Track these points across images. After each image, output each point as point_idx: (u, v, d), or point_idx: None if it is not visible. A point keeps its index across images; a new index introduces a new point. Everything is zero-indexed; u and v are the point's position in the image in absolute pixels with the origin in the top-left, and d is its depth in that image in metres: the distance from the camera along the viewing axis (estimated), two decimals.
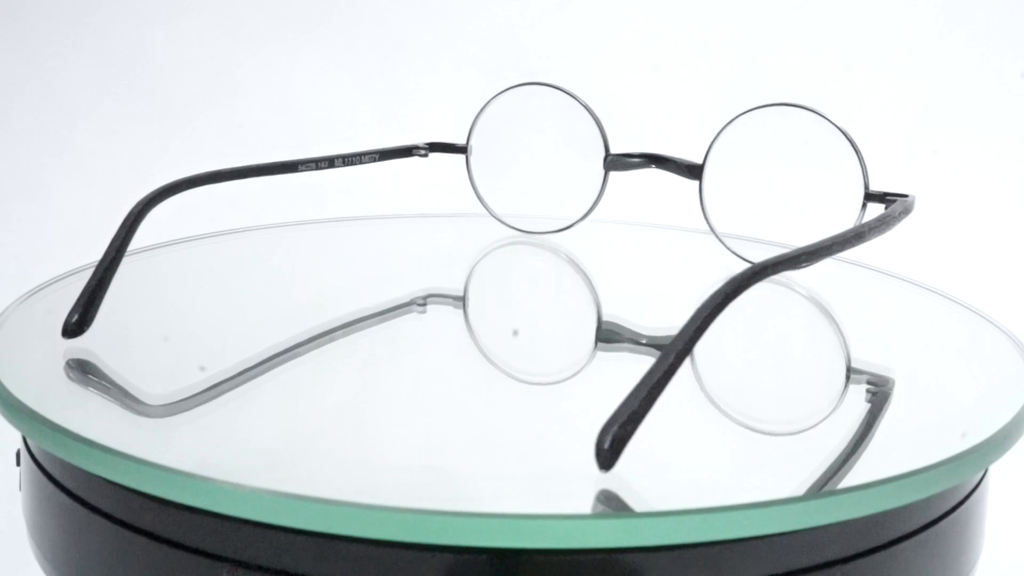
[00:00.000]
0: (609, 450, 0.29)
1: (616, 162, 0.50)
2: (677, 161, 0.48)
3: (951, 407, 0.39)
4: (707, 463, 0.35)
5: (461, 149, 0.55)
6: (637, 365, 0.40)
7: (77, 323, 0.42)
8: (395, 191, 0.73)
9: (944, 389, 0.40)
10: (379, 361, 0.43)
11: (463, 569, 0.28)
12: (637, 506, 0.30)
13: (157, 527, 0.30)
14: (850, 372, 0.38)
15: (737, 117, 0.45)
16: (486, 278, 0.52)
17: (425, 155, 0.56)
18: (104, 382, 0.38)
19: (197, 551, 0.30)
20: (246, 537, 0.29)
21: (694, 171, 0.47)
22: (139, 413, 0.37)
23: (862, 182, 0.43)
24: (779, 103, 0.44)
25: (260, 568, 0.29)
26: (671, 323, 0.41)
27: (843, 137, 0.43)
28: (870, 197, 0.43)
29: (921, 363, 0.42)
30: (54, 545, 0.34)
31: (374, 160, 0.54)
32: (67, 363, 0.40)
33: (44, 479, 0.34)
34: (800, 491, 0.31)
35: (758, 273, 0.34)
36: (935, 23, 0.83)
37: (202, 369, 0.40)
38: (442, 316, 0.48)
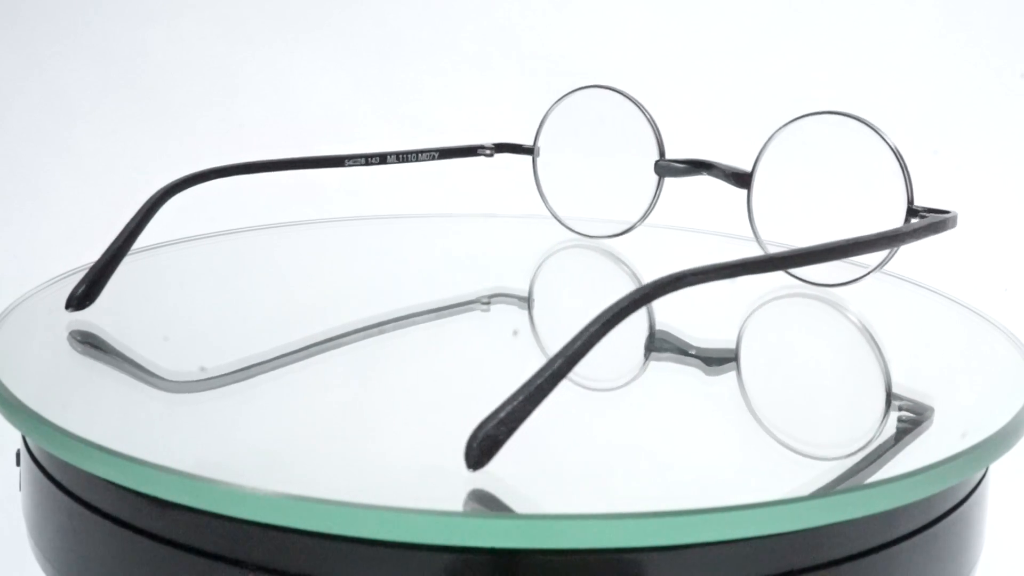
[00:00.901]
0: (478, 449, 0.29)
1: (666, 167, 0.50)
2: (725, 169, 0.47)
3: (951, 407, 0.39)
4: (707, 463, 0.35)
5: (528, 150, 0.54)
6: (677, 375, 0.40)
7: (83, 295, 0.42)
8: (441, 189, 0.72)
9: (944, 389, 0.40)
10: (425, 357, 0.43)
11: (463, 569, 0.28)
12: (516, 505, 0.30)
13: (157, 527, 0.30)
14: (890, 399, 0.38)
15: (786, 125, 0.45)
16: (551, 280, 0.52)
17: (491, 155, 0.55)
18: (116, 357, 0.38)
19: (197, 551, 0.30)
20: (246, 537, 0.29)
21: (742, 180, 0.46)
22: (157, 387, 0.37)
23: (905, 196, 0.42)
24: (827, 111, 0.44)
25: (260, 568, 0.29)
26: (719, 335, 0.41)
27: (888, 149, 0.42)
28: (913, 212, 0.42)
29: (921, 363, 0.42)
30: (54, 545, 0.34)
31: (432, 158, 0.53)
32: (71, 334, 0.40)
33: (44, 479, 0.34)
34: (801, 491, 0.31)
35: (669, 284, 0.32)
36: (936, 23, 0.83)
37: (202, 369, 0.40)
38: (506, 315, 0.47)
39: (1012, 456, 0.34)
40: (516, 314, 0.48)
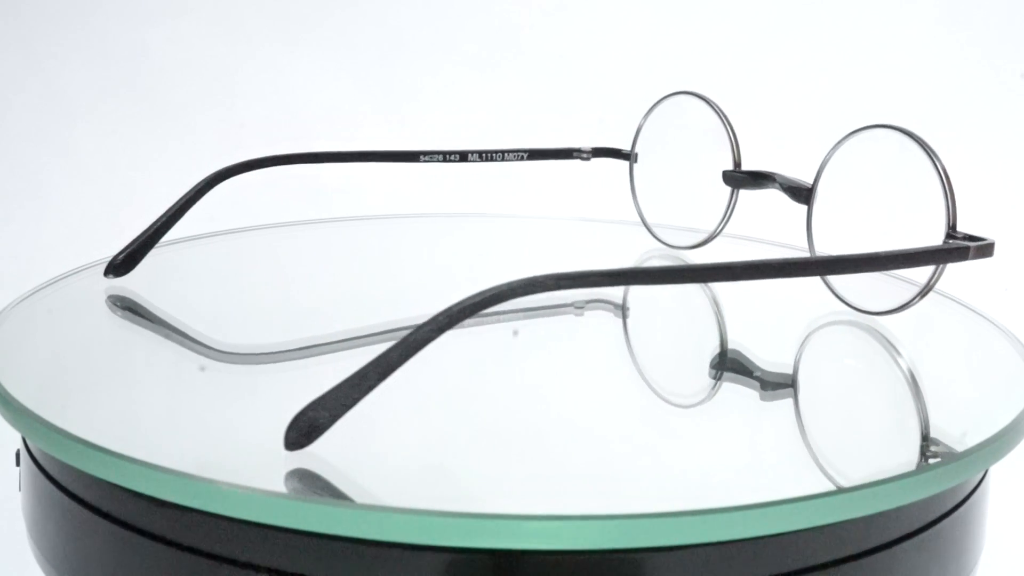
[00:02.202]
0: (292, 429, 0.30)
1: (733, 178, 0.49)
2: (784, 182, 0.46)
3: (951, 407, 0.39)
4: (707, 463, 0.35)
5: (626, 156, 0.53)
6: (724, 393, 0.40)
7: (122, 264, 0.44)
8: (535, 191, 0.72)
9: (944, 389, 0.40)
10: (501, 354, 0.43)
11: (463, 569, 0.28)
12: (516, 506, 0.30)
13: (157, 527, 0.30)
14: (926, 445, 0.37)
15: (845, 140, 0.43)
16: (646, 290, 0.50)
17: (587, 159, 0.54)
18: (158, 324, 0.38)
19: (197, 551, 0.30)
20: (246, 537, 0.29)
21: (802, 194, 0.44)
22: (206, 356, 0.37)
23: (945, 220, 0.40)
24: (884, 125, 0.42)
25: (260, 568, 0.29)
26: (780, 358, 0.41)
27: (934, 169, 0.40)
28: (952, 236, 0.40)
29: (921, 363, 0.42)
30: (54, 545, 0.34)
31: (519, 159, 0.53)
32: (109, 299, 0.41)
33: (44, 479, 0.34)
34: (801, 492, 0.31)
35: (525, 287, 0.32)
36: (936, 24, 0.83)
37: (202, 369, 0.40)
38: (599, 322, 0.46)
39: (1012, 456, 0.34)
40: (610, 321, 0.47)
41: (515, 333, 0.46)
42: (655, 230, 0.53)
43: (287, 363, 0.41)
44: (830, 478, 0.34)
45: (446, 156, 0.51)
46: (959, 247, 0.39)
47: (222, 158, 0.51)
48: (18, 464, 0.37)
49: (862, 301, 0.43)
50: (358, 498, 0.28)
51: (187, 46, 0.89)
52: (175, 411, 0.37)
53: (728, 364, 0.41)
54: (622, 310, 0.47)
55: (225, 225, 0.54)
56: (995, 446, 0.33)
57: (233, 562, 0.29)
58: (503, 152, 0.52)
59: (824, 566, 0.30)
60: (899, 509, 0.31)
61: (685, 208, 0.52)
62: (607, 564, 0.28)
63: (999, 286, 0.76)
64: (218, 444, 0.35)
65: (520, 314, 0.45)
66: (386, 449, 0.34)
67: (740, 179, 0.49)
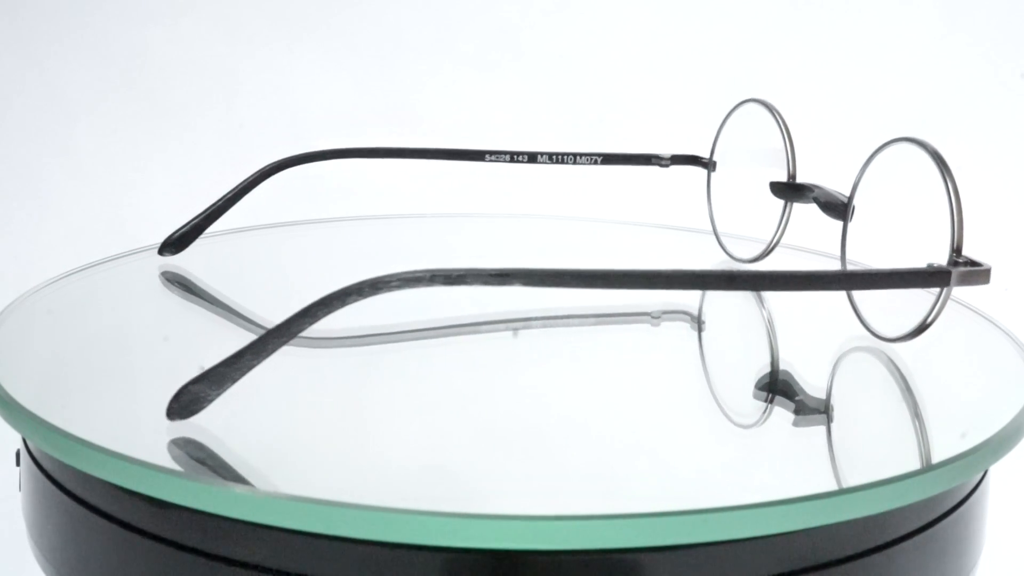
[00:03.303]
0: (175, 399, 0.32)
1: (777, 189, 0.47)
2: (820, 197, 0.44)
3: (951, 407, 0.39)
4: (707, 463, 0.35)
5: (706, 164, 0.52)
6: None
7: (176, 242, 0.47)
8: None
9: (944, 389, 0.40)
10: (562, 357, 0.42)
11: (463, 569, 0.28)
12: (516, 506, 0.30)
13: (157, 527, 0.30)
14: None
15: (876, 153, 0.42)
16: (722, 304, 0.48)
17: (667, 166, 0.52)
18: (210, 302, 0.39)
19: (197, 551, 0.30)
20: (246, 537, 0.29)
21: (838, 210, 0.42)
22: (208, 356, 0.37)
23: (950, 241, 0.38)
24: (910, 140, 0.40)
25: (260, 568, 0.29)
26: (817, 382, 0.40)
27: (944, 189, 0.38)
28: (955, 263, 0.38)
29: (921, 363, 0.42)
30: (54, 545, 0.34)
31: (592, 163, 0.51)
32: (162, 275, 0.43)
33: (44, 479, 0.34)
34: (801, 491, 0.31)
35: (377, 284, 0.34)
36: (936, 24, 0.83)
37: (201, 368, 0.40)
38: (675, 332, 0.45)
39: (1012, 456, 0.34)
40: (687, 333, 0.46)
41: (515, 333, 0.46)
42: (723, 240, 0.52)
43: (286, 363, 0.41)
44: (832, 478, 0.34)
45: (513, 156, 0.50)
46: (939, 271, 0.37)
47: (222, 158, 0.51)
48: (18, 464, 0.37)
49: (880, 321, 0.42)
50: (357, 498, 0.28)
51: (187, 46, 0.89)
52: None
53: (779, 387, 0.40)
54: (698, 323, 0.46)
55: (227, 225, 0.54)
56: (995, 446, 0.33)
57: (233, 562, 0.29)
58: (575, 155, 0.50)
59: (824, 566, 0.30)
60: (899, 509, 0.31)
61: (751, 219, 0.51)
62: (607, 564, 0.28)
63: (999, 286, 0.76)
64: (218, 444, 0.35)
65: (592, 319, 0.45)
66: (386, 449, 0.34)
67: (784, 191, 0.47)
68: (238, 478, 0.31)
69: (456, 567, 0.28)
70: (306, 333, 0.36)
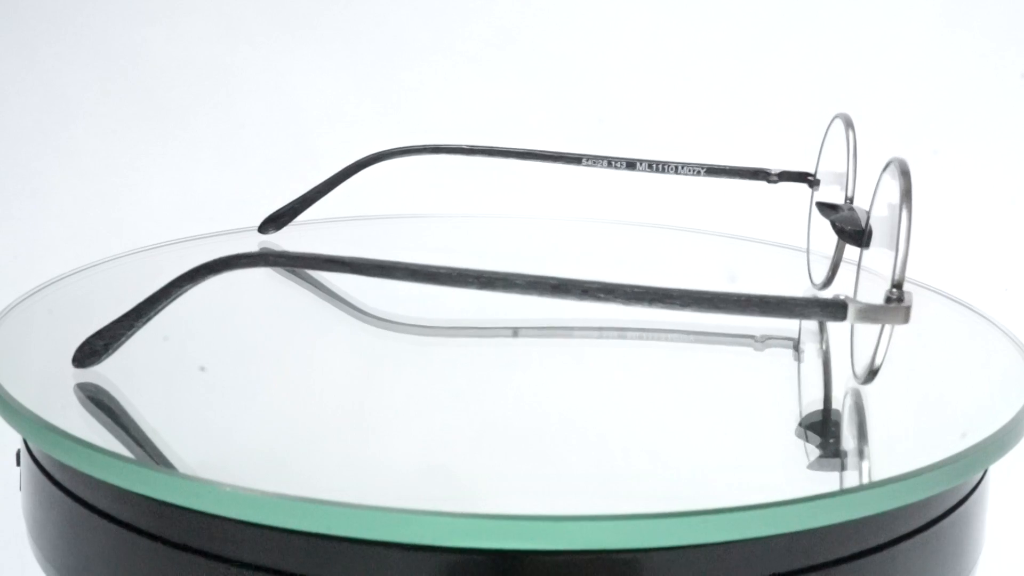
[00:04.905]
0: (78, 351, 0.36)
1: (822, 208, 0.44)
2: (842, 225, 0.41)
3: (951, 407, 0.39)
4: (707, 463, 0.35)
5: (812, 181, 0.49)
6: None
7: (273, 218, 0.49)
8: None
9: (944, 389, 0.40)
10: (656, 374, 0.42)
11: (463, 569, 0.28)
12: (517, 506, 0.30)
13: (157, 528, 0.30)
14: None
15: (882, 175, 0.38)
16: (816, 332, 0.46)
17: (775, 182, 0.50)
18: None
19: (197, 551, 0.30)
20: (246, 537, 0.29)
21: (857, 237, 0.40)
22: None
23: (892, 275, 0.35)
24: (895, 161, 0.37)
25: (260, 568, 0.29)
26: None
27: (898, 222, 0.35)
28: (889, 298, 0.35)
29: (921, 363, 0.42)
30: (54, 545, 0.34)
31: (695, 174, 0.49)
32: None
33: (44, 479, 0.34)
34: (801, 492, 0.31)
35: (229, 261, 0.36)
36: (936, 23, 0.83)
37: (201, 369, 0.40)
38: (778, 359, 0.44)
39: (1012, 456, 0.34)
40: (787, 361, 0.44)
41: (515, 333, 0.46)
42: (812, 257, 0.49)
43: (287, 364, 0.41)
44: (833, 478, 0.34)
45: (611, 162, 0.48)
46: (835, 304, 0.35)
47: (222, 158, 0.51)
48: (18, 464, 0.37)
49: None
50: (357, 498, 0.28)
51: (187, 46, 0.89)
52: (175, 411, 0.37)
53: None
54: (797, 350, 0.44)
55: (226, 225, 0.54)
56: (995, 446, 0.33)
57: (233, 562, 0.29)
58: (676, 165, 0.48)
59: (824, 566, 0.30)
60: (899, 509, 0.31)
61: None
62: (607, 564, 0.28)
63: (999, 286, 0.76)
64: (217, 444, 0.35)
65: (692, 337, 0.44)
66: (386, 449, 0.34)
67: (824, 210, 0.44)
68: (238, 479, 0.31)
69: (456, 567, 0.28)
70: (310, 333, 0.36)
